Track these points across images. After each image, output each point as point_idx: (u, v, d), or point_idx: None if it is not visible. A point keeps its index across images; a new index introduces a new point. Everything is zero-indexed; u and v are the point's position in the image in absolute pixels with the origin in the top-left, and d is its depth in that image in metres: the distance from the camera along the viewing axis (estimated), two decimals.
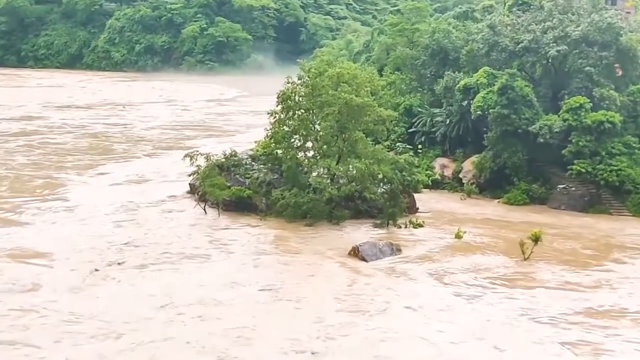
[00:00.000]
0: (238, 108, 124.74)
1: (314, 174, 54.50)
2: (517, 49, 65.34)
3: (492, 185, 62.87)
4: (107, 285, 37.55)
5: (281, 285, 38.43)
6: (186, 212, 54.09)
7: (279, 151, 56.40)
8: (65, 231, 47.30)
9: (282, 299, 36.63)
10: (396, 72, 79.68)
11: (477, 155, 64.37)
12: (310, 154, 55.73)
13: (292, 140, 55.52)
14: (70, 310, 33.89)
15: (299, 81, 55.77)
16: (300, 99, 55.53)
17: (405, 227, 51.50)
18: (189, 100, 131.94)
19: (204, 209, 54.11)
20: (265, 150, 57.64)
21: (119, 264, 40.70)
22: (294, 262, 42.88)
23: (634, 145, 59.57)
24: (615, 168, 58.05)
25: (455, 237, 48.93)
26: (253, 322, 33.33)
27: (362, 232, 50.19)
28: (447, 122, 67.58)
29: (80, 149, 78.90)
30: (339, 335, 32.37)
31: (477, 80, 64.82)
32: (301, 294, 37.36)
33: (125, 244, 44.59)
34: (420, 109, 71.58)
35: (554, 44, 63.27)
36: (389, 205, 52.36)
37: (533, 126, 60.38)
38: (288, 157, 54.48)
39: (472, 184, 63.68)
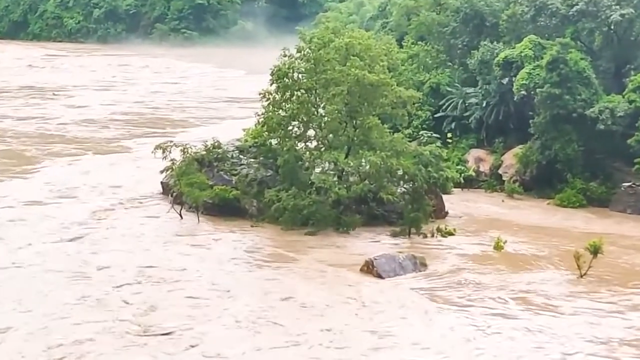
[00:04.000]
0: (211, 92, 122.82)
1: (318, 170, 54.40)
2: (570, 13, 65.20)
3: (539, 183, 62.76)
4: None
5: (272, 319, 37.54)
6: (157, 219, 54.12)
7: (274, 141, 56.35)
8: None
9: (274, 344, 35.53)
10: (419, 43, 79.57)
11: (520, 146, 64.28)
12: (313, 144, 55.69)
13: (290, 127, 55.46)
14: None
15: (299, 54, 55.69)
16: (300, 76, 55.48)
17: (432, 235, 51.42)
18: (148, 82, 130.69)
19: (180, 214, 54.09)
20: (257, 140, 57.62)
21: None
22: (291, 283, 42.65)
23: None
24: None
25: (495, 248, 48.82)
26: None
27: (377, 243, 50.07)
28: (484, 104, 67.48)
29: None
30: None
31: (521, 52, 64.71)
32: (301, 331, 36.49)
33: (72, 276, 42.49)
34: (449, 89, 71.49)
35: (617, 7, 63.11)
36: (410, 209, 52.26)
37: (591, 109, 60.24)
38: (285, 148, 54.43)
39: (514, 181, 63.60)
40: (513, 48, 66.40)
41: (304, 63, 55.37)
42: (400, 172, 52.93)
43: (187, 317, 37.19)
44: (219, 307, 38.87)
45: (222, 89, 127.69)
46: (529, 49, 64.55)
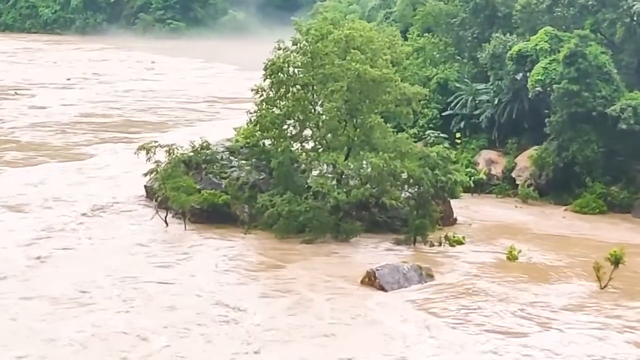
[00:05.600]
0: (195, 89, 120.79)
1: (315, 172, 54.43)
2: (590, 3, 65.33)
3: (556, 187, 62.81)
4: None
5: (258, 344, 37.30)
6: (140, 226, 54.13)
7: (267, 142, 56.37)
8: None
9: None
10: (426, 35, 79.71)
11: (535, 147, 64.33)
12: (310, 145, 55.73)
13: (285, 126, 55.50)
14: None
15: (294, 47, 55.74)
16: (296, 71, 55.51)
17: (439, 244, 51.48)
18: (123, 79, 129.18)
19: (165, 221, 54.12)
20: (249, 140, 57.65)
21: None
22: (284, 299, 42.64)
23: None
24: None
25: (508, 259, 48.89)
26: None
27: (379, 252, 50.14)
28: (496, 102, 67.55)
29: None
30: None
31: (536, 45, 64.77)
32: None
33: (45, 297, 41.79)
34: (458, 85, 71.58)
35: None
36: (416, 215, 52.31)
37: (612, 107, 60.28)
38: (279, 149, 54.46)
39: (529, 185, 63.64)
40: (527, 40, 66.46)
41: (300, 57, 55.38)
42: (404, 176, 52.91)
43: (171, 337, 37.08)
44: (206, 323, 38.90)
45: (207, 84, 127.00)
46: (545, 41, 64.59)
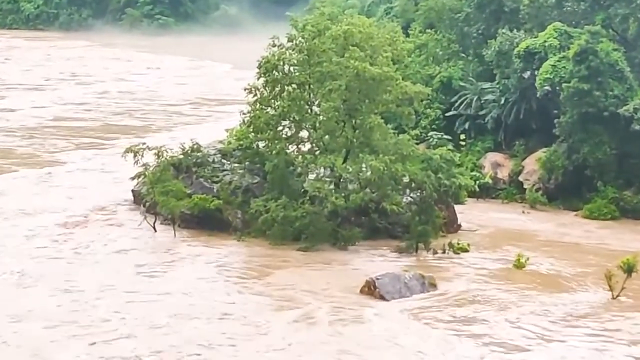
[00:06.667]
0: (180, 91, 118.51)
1: (312, 176, 54.53)
2: None
3: (566, 191, 62.89)
4: None
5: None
6: (127, 234, 54.09)
7: (261, 144, 56.42)
8: None
9: None
10: (428, 31, 79.77)
11: (544, 150, 64.42)
12: (306, 147, 55.79)
13: (280, 128, 55.57)
14: None
15: (290, 43, 55.82)
16: (292, 69, 55.60)
17: (443, 252, 51.52)
18: (102, 79, 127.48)
19: (154, 227, 54.16)
20: (242, 142, 57.69)
21: None
22: (279, 311, 42.62)
23: None
24: None
25: (515, 267, 48.97)
26: None
27: (380, 260, 50.20)
28: (502, 101, 67.64)
29: None
30: None
31: (545, 41, 64.90)
32: None
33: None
34: (463, 84, 71.67)
35: None
36: (418, 221, 52.37)
37: (625, 107, 60.42)
38: (274, 152, 54.50)
39: (537, 190, 63.71)
40: (535, 37, 66.58)
41: (296, 54, 55.47)
42: (406, 179, 53.02)
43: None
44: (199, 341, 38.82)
45: (194, 85, 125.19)
46: (554, 38, 64.73)
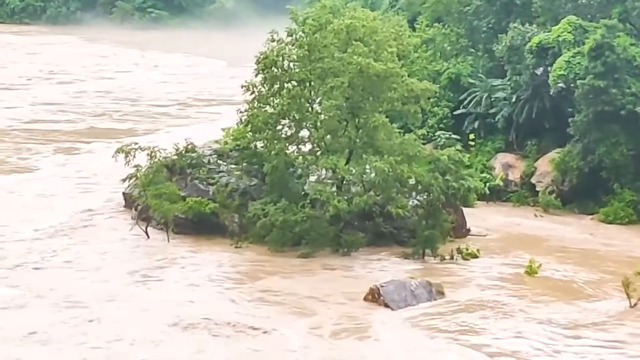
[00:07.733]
0: (165, 90, 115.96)
1: (313, 178, 54.63)
2: None
3: (581, 194, 63.00)
4: None
5: None
6: (118, 239, 54.18)
7: (260, 144, 56.47)
8: None
9: None
10: (436, 25, 79.91)
11: (558, 150, 64.52)
12: (307, 148, 55.85)
13: (280, 127, 55.63)
14: None
15: (290, 38, 55.88)
16: (292, 65, 55.64)
17: (451, 257, 51.65)
18: (80, 77, 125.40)
19: (146, 232, 54.21)
20: (239, 142, 57.74)
21: None
22: (280, 319, 42.71)
23: None
24: None
25: (527, 273, 49.04)
26: None
27: (384, 266, 50.28)
28: (513, 99, 67.72)
29: None
30: None
31: (559, 36, 64.99)
32: None
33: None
34: (472, 80, 71.76)
35: None
36: (425, 226, 52.47)
37: None
38: (273, 152, 54.52)
39: (551, 192, 63.79)
40: (549, 31, 66.69)
41: (296, 49, 55.48)
42: (412, 182, 53.06)
43: None
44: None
45: (183, 83, 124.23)
46: (568, 32, 64.80)
